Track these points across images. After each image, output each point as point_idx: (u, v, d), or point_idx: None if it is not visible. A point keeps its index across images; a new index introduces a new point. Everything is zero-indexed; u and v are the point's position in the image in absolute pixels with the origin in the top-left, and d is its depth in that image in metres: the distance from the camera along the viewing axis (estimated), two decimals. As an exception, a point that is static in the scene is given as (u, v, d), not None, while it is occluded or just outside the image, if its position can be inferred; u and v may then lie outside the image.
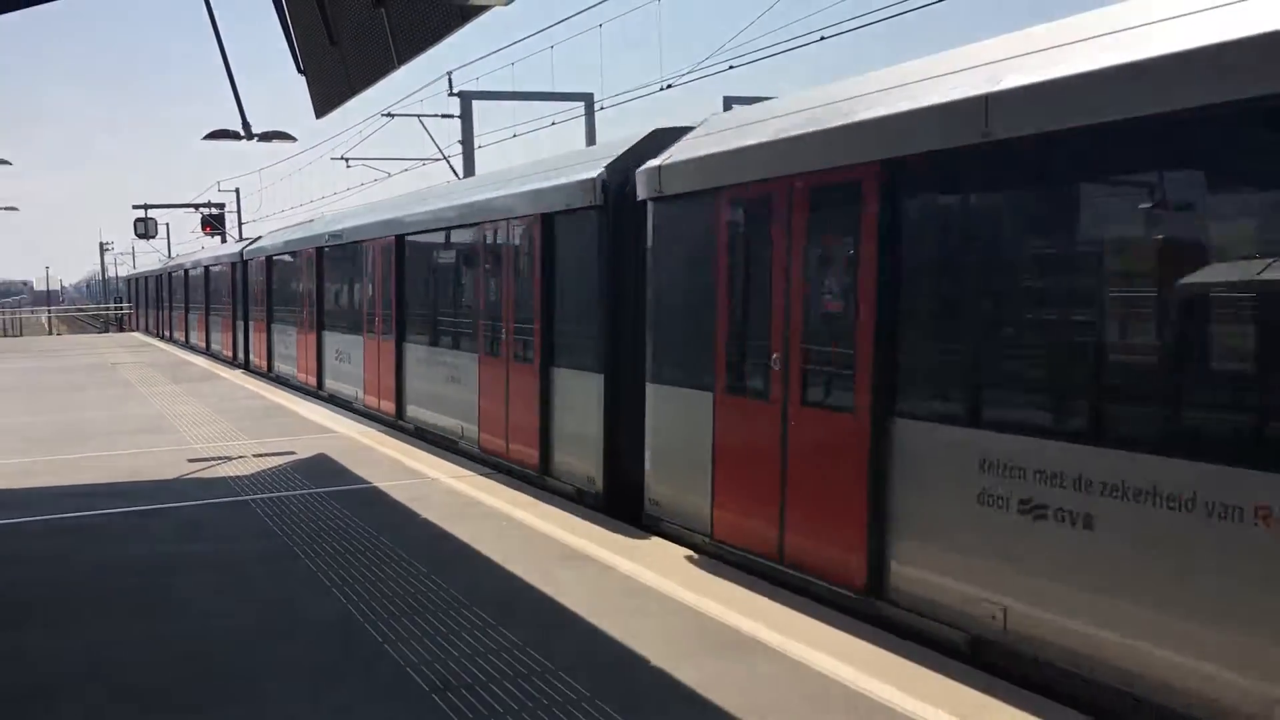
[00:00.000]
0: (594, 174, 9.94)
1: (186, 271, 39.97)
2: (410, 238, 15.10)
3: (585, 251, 10.12)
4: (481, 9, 9.31)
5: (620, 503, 9.74)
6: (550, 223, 10.83)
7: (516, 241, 11.61)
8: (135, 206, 54.25)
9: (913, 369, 6.47)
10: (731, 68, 21.09)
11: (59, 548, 8.85)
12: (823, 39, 20.18)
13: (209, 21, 14.09)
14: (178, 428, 15.63)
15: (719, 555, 8.09)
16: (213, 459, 12.85)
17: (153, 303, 51.12)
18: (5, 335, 58.66)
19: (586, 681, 5.73)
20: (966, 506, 5.98)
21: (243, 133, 15.53)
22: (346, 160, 37.19)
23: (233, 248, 32.16)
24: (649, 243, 9.01)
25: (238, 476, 11.68)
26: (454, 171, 32.66)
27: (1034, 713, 5.27)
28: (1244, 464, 4.69)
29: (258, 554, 8.47)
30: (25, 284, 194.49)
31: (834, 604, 6.90)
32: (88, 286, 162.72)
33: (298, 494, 10.69)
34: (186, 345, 36.33)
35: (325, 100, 15.25)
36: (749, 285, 7.82)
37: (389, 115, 35.21)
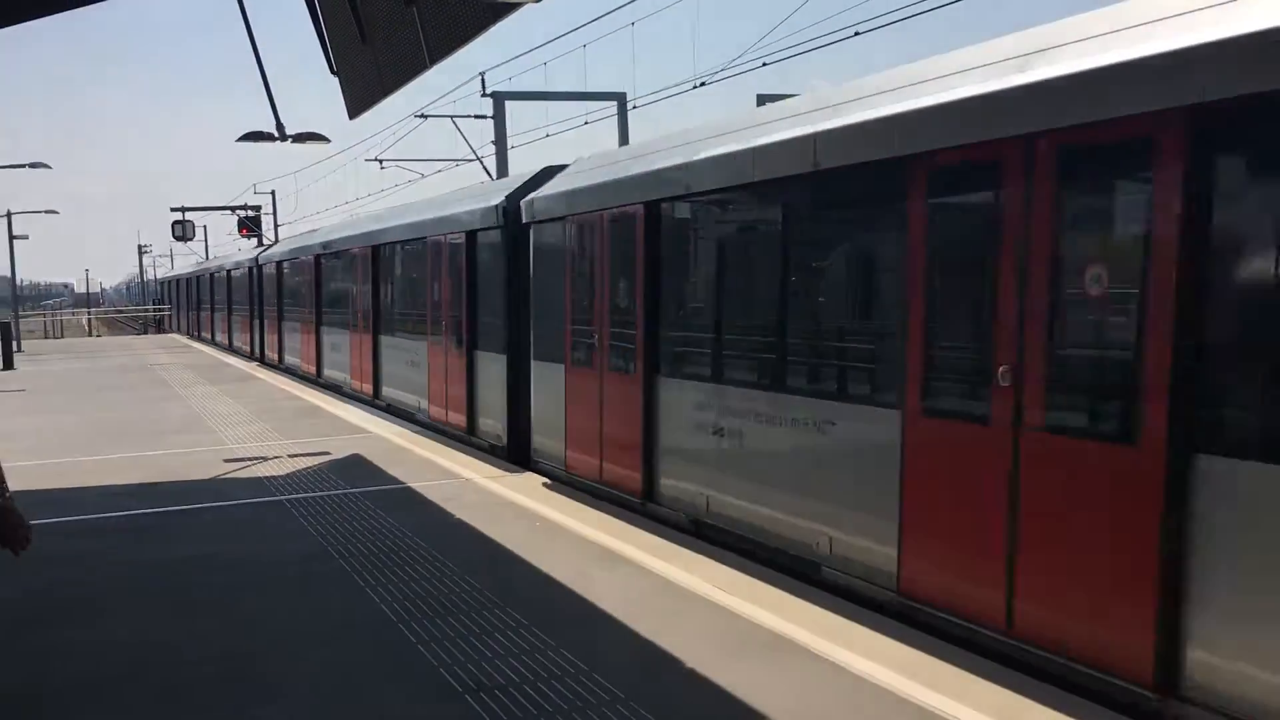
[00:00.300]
0: (496, 202, 12.94)
1: (213, 274, 41.39)
2: (382, 248, 18.56)
3: (493, 261, 13.19)
4: (513, 6, 9.27)
5: (519, 453, 12.69)
6: (473, 238, 13.78)
7: (449, 253, 14.55)
8: (173, 209, 54.68)
9: (656, 344, 9.55)
10: (765, 64, 20.97)
11: (98, 547, 8.91)
12: (857, 34, 20.00)
13: (243, 24, 14.19)
14: (215, 428, 15.74)
15: (569, 482, 11.00)
16: (249, 459, 12.92)
17: (189, 304, 51.81)
18: (47, 337, 59.41)
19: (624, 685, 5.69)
20: (690, 433, 9.00)
21: (276, 134, 15.58)
22: (380, 161, 37.32)
23: (252, 252, 33.69)
24: (531, 255, 11.92)
25: (273, 476, 11.73)
26: (487, 172, 32.70)
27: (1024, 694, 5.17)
28: (815, 396, 7.51)
29: (294, 554, 8.49)
30: (66, 286, 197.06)
31: (625, 505, 9.93)
32: (127, 288, 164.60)
33: (332, 494, 10.71)
34: (229, 348, 36.56)
35: (358, 101, 15.30)
36: (583, 287, 10.69)
37: (422, 116, 35.34)
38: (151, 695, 5.75)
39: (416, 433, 12.75)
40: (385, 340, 18.18)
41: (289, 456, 13.01)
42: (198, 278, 47.62)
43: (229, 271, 37.67)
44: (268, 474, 11.92)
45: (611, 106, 31.20)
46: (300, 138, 15.92)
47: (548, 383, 11.49)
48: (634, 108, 29.47)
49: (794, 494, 7.66)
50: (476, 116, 36.09)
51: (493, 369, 13.33)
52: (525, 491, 10.60)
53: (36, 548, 8.83)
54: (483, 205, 13.37)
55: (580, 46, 52.20)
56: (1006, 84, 5.84)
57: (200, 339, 44.09)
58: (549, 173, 12.73)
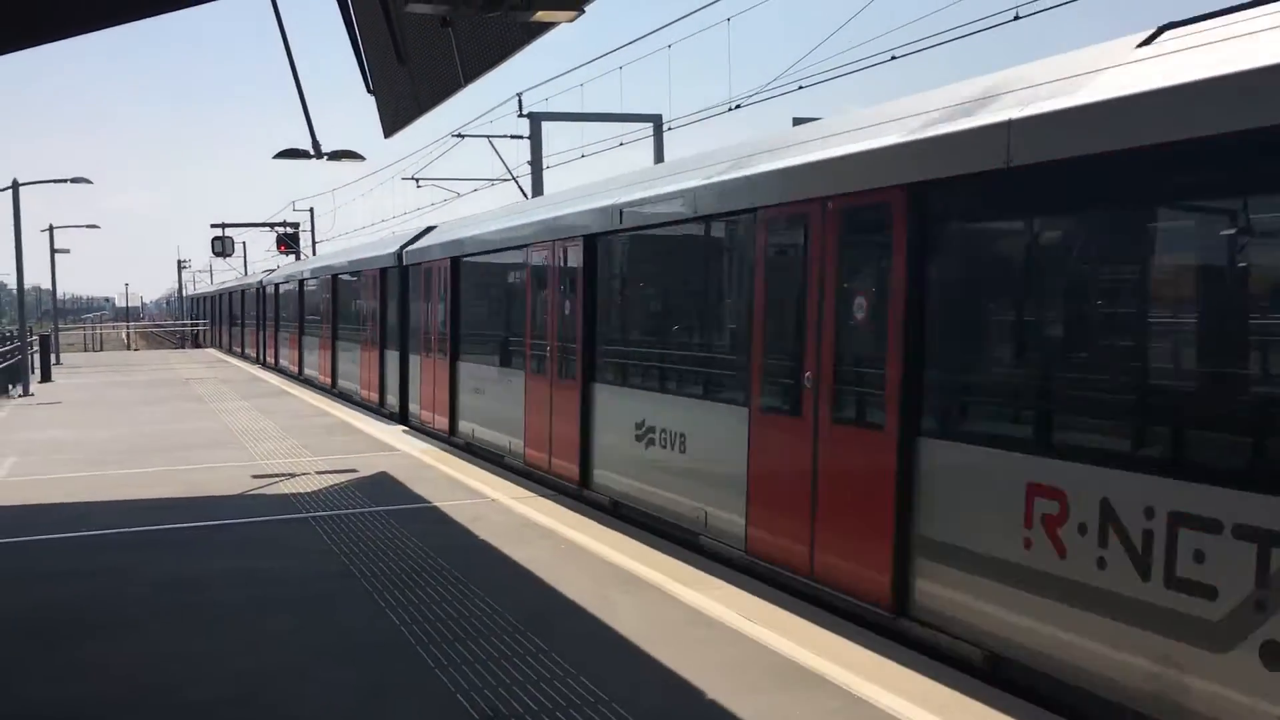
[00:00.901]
0: (394, 249, 20.06)
1: (244, 291, 42.25)
2: (339, 276, 25.40)
3: (392, 291, 20.33)
4: (546, 26, 9.26)
5: (404, 417, 19.21)
6: (384, 274, 20.82)
7: (373, 284, 21.56)
8: (213, 225, 55.30)
9: (594, 357, 11.46)
10: (801, 88, 20.87)
11: (121, 562, 8.91)
12: (894, 58, 19.92)
13: (282, 44, 14.30)
14: (244, 443, 15.78)
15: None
16: (277, 475, 12.92)
17: (224, 320, 52.42)
18: (86, 350, 60.08)
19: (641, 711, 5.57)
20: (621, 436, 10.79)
21: (313, 152, 15.69)
22: (417, 180, 37.51)
23: (297, 267, 34.75)
24: (409, 289, 19.14)
25: (300, 493, 11.72)
26: (522, 192, 32.80)
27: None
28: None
29: (315, 572, 8.44)
30: (108, 300, 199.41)
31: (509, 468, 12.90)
32: (167, 303, 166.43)
33: (357, 512, 10.68)
34: (259, 362, 36.91)
35: (394, 120, 15.37)
36: (428, 308, 17.23)
37: (459, 136, 35.51)
38: (160, 717, 5.69)
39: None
40: (342, 345, 24.89)
41: (316, 473, 13.00)
42: (230, 293, 48.46)
43: (260, 288, 38.47)
44: (294, 491, 11.91)
45: (646, 127, 31.18)
46: (336, 155, 16.01)
47: (415, 368, 18.71)
48: (669, 129, 29.49)
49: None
50: (513, 137, 36.21)
51: (391, 362, 20.28)
52: (551, 513, 10.50)
53: (67, 561, 8.90)
54: (387, 251, 20.65)
55: (617, 68, 52.24)
56: (804, 159, 7.86)
57: (235, 354, 44.46)
58: (429, 231, 19.56)
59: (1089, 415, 5.76)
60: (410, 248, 18.91)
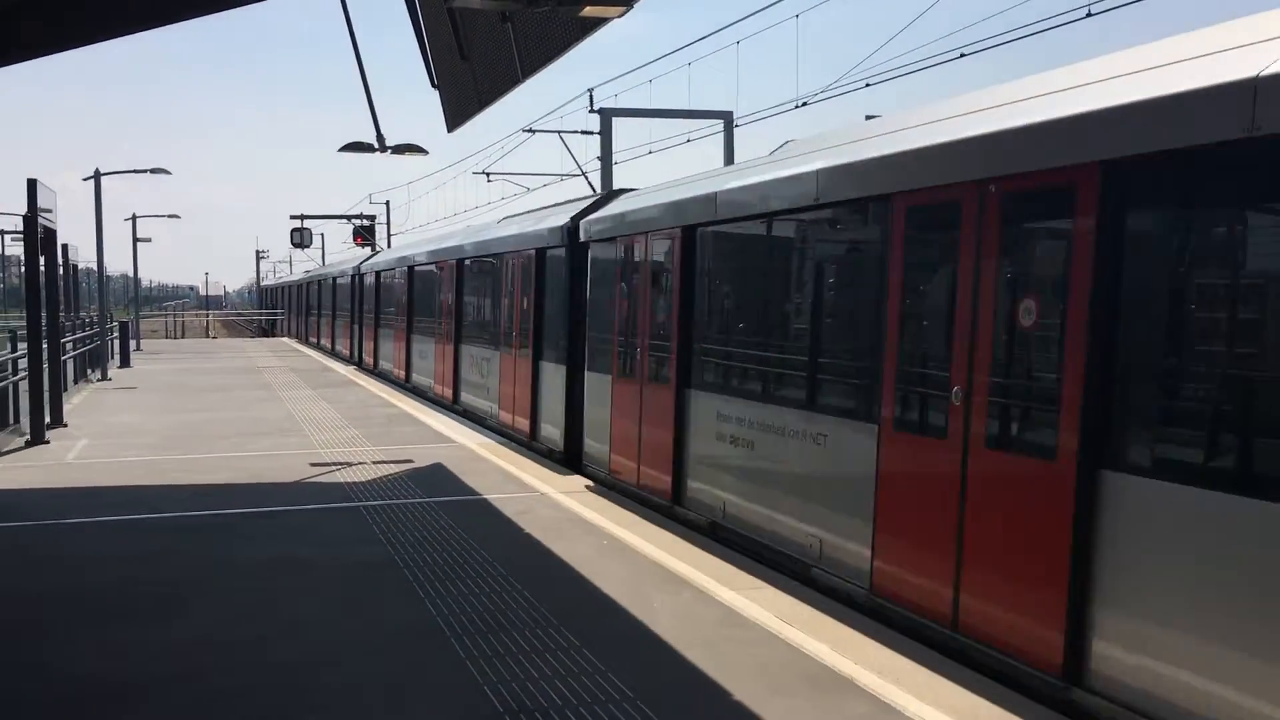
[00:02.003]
0: (559, 222, 14.55)
1: (320, 281, 42.72)
2: (465, 261, 19.84)
3: (356, 286, 22.78)
4: (599, 21, 9.26)
5: (574, 455, 13.72)
6: (541, 256, 15.31)
7: (349, 281, 24.58)
8: (292, 217, 56.31)
9: (692, 361, 10.32)
10: (868, 85, 20.61)
11: (175, 545, 9.10)
12: (962, 55, 19.59)
13: (350, 40, 14.48)
14: (307, 431, 16.03)
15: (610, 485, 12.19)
16: (334, 464, 13.10)
17: (298, 309, 53.34)
18: (168, 337, 61.54)
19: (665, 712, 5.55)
20: (713, 442, 9.80)
21: (377, 145, 15.88)
22: (488, 175, 37.79)
23: (353, 262, 34.94)
24: (364, 286, 20.45)
25: (354, 483, 11.87)
26: (591, 187, 32.92)
27: None
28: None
29: (360, 560, 8.54)
30: (191, 289, 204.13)
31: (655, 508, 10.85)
32: (249, 292, 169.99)
33: (408, 502, 10.78)
34: (332, 353, 37.37)
35: (456, 113, 15.51)
36: (628, 298, 11.79)
37: (530, 131, 35.70)
38: (197, 700, 5.80)
39: (499, 443, 12.68)
40: (465, 348, 19.63)
41: (373, 463, 13.16)
42: (307, 284, 49.17)
43: (334, 279, 38.83)
44: (350, 480, 12.07)
45: (713, 123, 31.06)
46: (399, 149, 16.17)
47: (597, 392, 12.72)
48: (738, 126, 29.34)
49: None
50: (583, 132, 36.31)
51: (554, 375, 14.71)
52: (597, 509, 10.51)
53: (124, 543, 9.12)
54: (548, 226, 15.20)
55: (686, 65, 52.10)
56: (956, 136, 6.91)
57: (308, 343, 45.22)
58: (611, 196, 14.49)
59: None
60: (596, 215, 12.82)
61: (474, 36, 13.45)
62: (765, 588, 7.80)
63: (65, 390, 18.57)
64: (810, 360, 8.34)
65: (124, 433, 16.09)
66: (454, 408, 19.42)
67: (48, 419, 15.64)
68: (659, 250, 10.97)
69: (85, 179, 28.59)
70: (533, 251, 15.37)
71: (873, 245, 7.59)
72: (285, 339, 52.38)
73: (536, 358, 15.27)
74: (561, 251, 14.42)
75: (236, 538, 9.40)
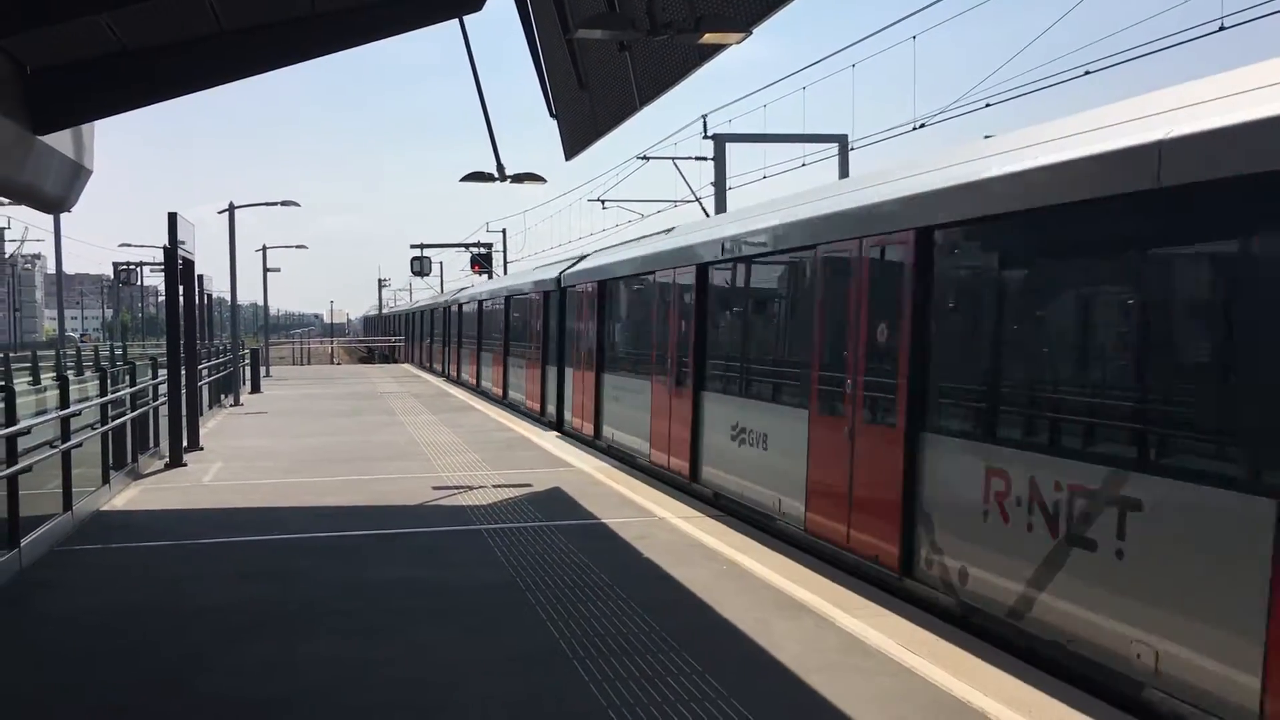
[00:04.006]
0: (555, 275, 21.27)
1: (434, 310, 43.63)
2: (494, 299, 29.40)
3: (550, 311, 21.87)
4: (718, 48, 9.31)
5: (560, 425, 20.41)
6: (546, 296, 22.14)
7: (542, 303, 22.80)
8: (412, 245, 57.71)
9: (708, 362, 13.07)
10: (988, 105, 20.27)
11: (301, 566, 9.35)
12: (1088, 73, 19.13)
13: (471, 72, 14.82)
14: (428, 456, 16.34)
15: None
16: (455, 488, 13.32)
17: (418, 336, 54.50)
18: (295, 364, 63.48)
19: (788, 740, 5.48)
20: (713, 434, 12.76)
21: (497, 175, 16.19)
22: (602, 202, 38.22)
23: (488, 285, 35.53)
24: (567, 308, 20.40)
25: (476, 506, 12.04)
26: (705, 212, 33.00)
27: None
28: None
29: (482, 583, 8.66)
30: (317, 316, 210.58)
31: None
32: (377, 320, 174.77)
33: (528, 526, 10.90)
34: (457, 380, 37.83)
35: (574, 142, 15.73)
36: (591, 326, 17.98)
37: (644, 158, 36.02)
38: (331, 717, 5.93)
39: (690, 505, 11.67)
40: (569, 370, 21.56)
41: (493, 487, 13.34)
42: (428, 311, 50.18)
43: (453, 306, 39.51)
44: (471, 503, 12.25)
45: (827, 148, 30.82)
46: (518, 178, 16.44)
47: (578, 385, 19.25)
48: (854, 149, 29.10)
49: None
50: (697, 158, 36.44)
51: (552, 377, 21.54)
52: (715, 532, 10.47)
53: (255, 563, 9.42)
54: (548, 276, 22.26)
55: (800, 89, 51.95)
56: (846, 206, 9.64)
57: (429, 369, 46.13)
58: (582, 257, 21.21)
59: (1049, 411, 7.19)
60: (567, 272, 14.93)
61: (592, 66, 13.65)
62: (887, 614, 7.66)
63: (201, 415, 19.27)
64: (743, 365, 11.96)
65: (255, 456, 16.63)
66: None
67: (185, 443, 16.25)
68: (592, 291, 18.16)
69: (220, 211, 29.77)
70: (693, 269, 13.35)
71: (749, 287, 12.10)
72: (406, 365, 53.55)
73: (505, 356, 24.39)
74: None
75: (362, 559, 9.61)
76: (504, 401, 27.12)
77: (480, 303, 33.55)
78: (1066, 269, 7.15)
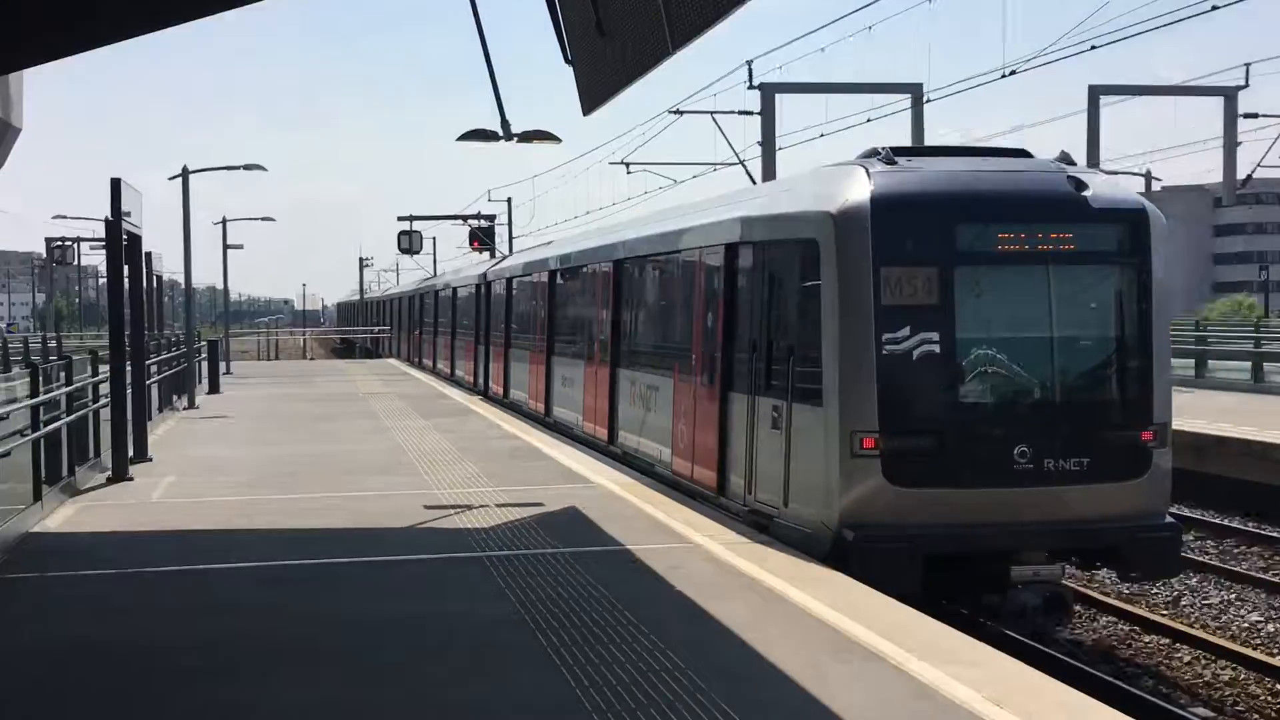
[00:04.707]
0: (482, 270, 33.03)
1: (434, 293, 43.76)
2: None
3: (481, 298, 32.50)
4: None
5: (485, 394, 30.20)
6: (484, 284, 32.17)
7: (473, 292, 33.74)
8: (400, 218, 57.96)
9: (510, 336, 28.60)
10: (1094, 48, 20.24)
11: (278, 597, 9.48)
12: (1215, 8, 19.05)
13: (472, 15, 14.91)
14: (421, 469, 16.47)
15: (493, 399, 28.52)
16: (451, 507, 13.43)
17: (406, 326, 54.68)
18: (260, 358, 63.97)
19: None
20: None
21: (501, 133, 16.27)
22: (627, 165, 38.41)
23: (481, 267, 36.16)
24: (492, 297, 31.00)
25: (477, 529, 12.15)
26: (750, 177, 33.07)
27: None
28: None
29: (485, 620, 8.75)
30: (287, 302, 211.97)
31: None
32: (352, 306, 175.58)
33: (539, 553, 10.98)
34: (453, 379, 37.89)
35: (594, 94, 15.76)
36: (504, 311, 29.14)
37: (677, 112, 36.05)
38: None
39: (731, 529, 11.98)
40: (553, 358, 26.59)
41: (497, 506, 13.44)
42: (418, 296, 50.08)
43: (453, 290, 39.47)
44: (471, 525, 12.36)
45: (899, 99, 30.79)
46: (527, 136, 16.53)
47: (496, 358, 29.72)
48: (929, 101, 29.02)
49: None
50: (741, 113, 36.49)
51: (473, 351, 32.93)
52: (755, 559, 10.51)
53: (216, 595, 9.55)
54: (477, 271, 33.83)
55: (865, 29, 51.77)
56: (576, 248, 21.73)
57: (419, 366, 46.33)
58: (511, 255, 35.17)
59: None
60: (490, 269, 33.94)
61: (614, 7, 13.69)
62: (974, 666, 7.68)
63: (150, 420, 19.48)
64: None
65: (214, 469, 16.81)
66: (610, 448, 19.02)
67: (131, 453, 16.45)
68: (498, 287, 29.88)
69: (172, 178, 29.97)
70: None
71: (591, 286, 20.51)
72: (392, 360, 53.86)
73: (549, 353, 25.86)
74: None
75: (341, 591, 9.73)
76: (505, 402, 27.43)
77: (482, 286, 33.88)
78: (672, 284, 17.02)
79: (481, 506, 13.44)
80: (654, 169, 38.81)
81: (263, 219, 47.18)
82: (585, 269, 21.02)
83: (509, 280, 28.64)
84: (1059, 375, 11.42)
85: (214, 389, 31.96)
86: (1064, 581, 11.58)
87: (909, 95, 32.39)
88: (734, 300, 13.68)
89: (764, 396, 12.51)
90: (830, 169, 12.59)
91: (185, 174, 29.67)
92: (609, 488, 14.71)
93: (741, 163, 34.11)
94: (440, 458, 17.61)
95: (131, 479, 15.78)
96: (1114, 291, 11.62)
